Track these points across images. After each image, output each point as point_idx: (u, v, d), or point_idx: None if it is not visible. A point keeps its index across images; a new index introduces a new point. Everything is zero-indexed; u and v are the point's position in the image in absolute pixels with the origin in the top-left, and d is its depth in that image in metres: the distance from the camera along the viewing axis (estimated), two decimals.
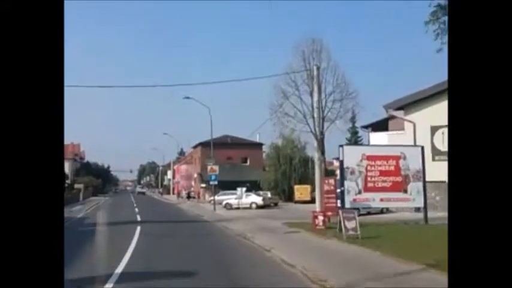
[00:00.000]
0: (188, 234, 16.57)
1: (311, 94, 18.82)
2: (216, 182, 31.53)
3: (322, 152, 18.69)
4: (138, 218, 24.40)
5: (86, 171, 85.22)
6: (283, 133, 18.90)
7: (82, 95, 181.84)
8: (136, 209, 33.10)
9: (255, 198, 32.37)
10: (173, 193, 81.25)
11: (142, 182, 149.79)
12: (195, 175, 61.14)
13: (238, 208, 31.04)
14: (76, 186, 53.64)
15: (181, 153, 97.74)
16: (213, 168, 31.46)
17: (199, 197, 54.79)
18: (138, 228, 18.03)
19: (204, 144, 59.09)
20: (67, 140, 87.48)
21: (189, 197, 51.38)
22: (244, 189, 28.24)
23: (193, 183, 65.50)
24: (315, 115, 18.64)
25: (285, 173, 41.42)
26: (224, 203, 33.23)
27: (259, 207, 31.80)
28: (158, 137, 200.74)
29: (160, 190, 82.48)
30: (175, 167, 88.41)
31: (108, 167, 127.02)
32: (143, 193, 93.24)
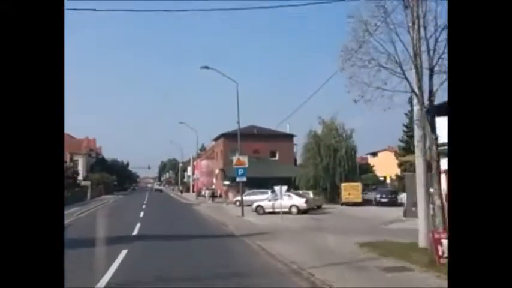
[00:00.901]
0: (200, 276, 8.86)
1: (410, 28, 10.95)
2: (244, 178, 24.13)
3: (432, 128, 10.83)
4: (136, 230, 17.08)
5: (101, 167, 79.67)
6: (362, 94, 10.89)
7: (101, 90, 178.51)
8: (142, 213, 26.03)
9: (297, 200, 24.57)
10: (193, 191, 74.48)
11: (162, 179, 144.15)
12: (217, 171, 53.88)
13: (273, 212, 23.56)
14: (83, 183, 47.17)
15: (202, 148, 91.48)
16: (241, 161, 24.05)
17: (221, 196, 47.62)
18: (122, 254, 10.75)
19: (227, 136, 51.73)
20: (82, 134, 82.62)
21: (213, 196, 44.17)
22: (284, 187, 20.70)
23: (214, 180, 58.29)
24: (418, 63, 10.77)
25: (327, 168, 33.38)
26: (255, 205, 25.70)
27: (301, 211, 24.10)
28: (179, 132, 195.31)
29: (181, 188, 74.58)
30: (195, 162, 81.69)
31: (128, 164, 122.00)
32: (160, 190, 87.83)
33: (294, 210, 23.99)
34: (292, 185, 42.72)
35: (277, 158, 51.67)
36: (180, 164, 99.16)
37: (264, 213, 24.70)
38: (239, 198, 34.02)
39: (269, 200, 25.21)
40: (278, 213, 20.69)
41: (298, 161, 47.60)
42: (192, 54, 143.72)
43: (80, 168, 77.65)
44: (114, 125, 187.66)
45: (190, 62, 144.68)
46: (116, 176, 77.83)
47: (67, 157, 61.37)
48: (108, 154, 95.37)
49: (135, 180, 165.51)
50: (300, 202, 24.31)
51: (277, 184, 37.97)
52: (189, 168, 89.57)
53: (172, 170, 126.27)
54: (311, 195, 28.43)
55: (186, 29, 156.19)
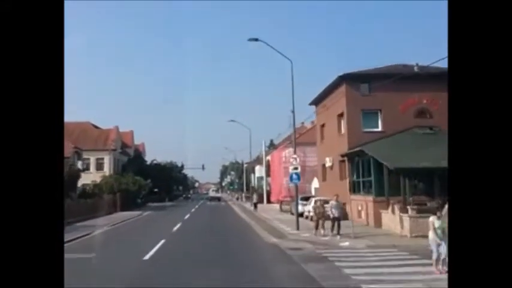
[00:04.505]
0: None
1: None
2: None
3: None
4: None
5: (137, 168, 55.24)
6: None
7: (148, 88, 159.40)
8: None
9: None
10: (268, 201, 46.98)
11: (224, 184, 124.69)
12: (329, 162, 25.57)
13: None
14: None
15: (271, 145, 64.92)
16: None
17: (336, 219, 19.67)
18: None
19: (355, 79, 23.61)
20: (110, 123, 59.90)
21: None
22: None
23: (315, 182, 30.41)
24: None
25: None
26: None
27: None
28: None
29: (255, 198, 36.66)
30: (269, 156, 54.43)
31: (182, 166, 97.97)
32: (218, 199, 64.01)
33: None
34: None
35: None
36: (245, 165, 73.62)
37: None
38: None
39: None
40: None
41: None
42: None
43: (106, 169, 53.77)
44: (162, 120, 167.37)
45: None
46: (152, 181, 52.60)
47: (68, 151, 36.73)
48: (158, 156, 72.80)
49: (193, 186, 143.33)
50: None
51: None
52: (258, 168, 62.86)
53: (236, 172, 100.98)
54: None
55: None
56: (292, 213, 28.41)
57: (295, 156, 18.49)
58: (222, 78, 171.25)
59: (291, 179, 18.39)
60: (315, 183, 30.67)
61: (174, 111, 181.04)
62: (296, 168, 18.25)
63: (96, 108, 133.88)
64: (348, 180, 22.15)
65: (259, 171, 61.04)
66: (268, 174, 52.50)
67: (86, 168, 52.32)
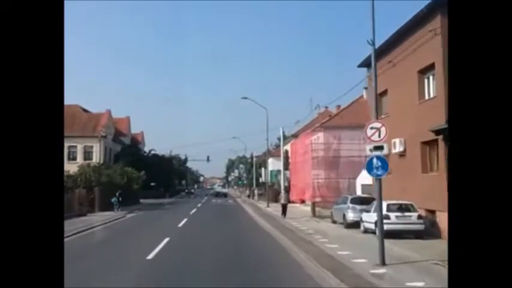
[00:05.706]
0: None
1: None
2: None
3: None
4: None
5: (131, 159, 47.53)
6: None
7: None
8: None
9: None
10: (288, 200, 38.18)
11: (230, 178, 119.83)
12: (399, 145, 16.75)
13: None
14: None
15: (285, 138, 56.35)
16: None
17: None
18: None
19: None
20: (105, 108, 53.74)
21: None
22: None
23: (364, 178, 21.71)
24: None
25: None
26: None
27: None
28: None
29: (282, 198, 25.34)
30: (287, 145, 45.81)
31: (186, 159, 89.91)
32: (224, 195, 58.41)
33: None
34: None
35: None
36: (254, 158, 65.78)
37: None
38: None
39: None
40: None
41: None
42: None
43: (94, 158, 46.23)
44: (164, 111, 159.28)
45: None
46: (150, 173, 44.52)
47: None
48: (160, 150, 66.01)
49: (197, 180, 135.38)
50: None
51: None
52: (271, 161, 54.39)
53: (245, 166, 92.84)
54: None
55: None
56: (334, 222, 19.81)
57: (377, 125, 9.85)
58: (226, 73, 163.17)
59: (369, 168, 9.71)
60: (364, 179, 21.89)
61: (176, 102, 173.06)
62: (379, 148, 9.65)
63: (92, 98, 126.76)
64: (444, 174, 13.56)
65: (274, 164, 52.57)
66: (286, 167, 43.89)
67: (72, 158, 44.90)
